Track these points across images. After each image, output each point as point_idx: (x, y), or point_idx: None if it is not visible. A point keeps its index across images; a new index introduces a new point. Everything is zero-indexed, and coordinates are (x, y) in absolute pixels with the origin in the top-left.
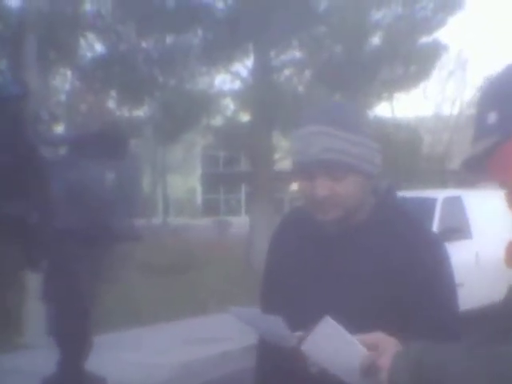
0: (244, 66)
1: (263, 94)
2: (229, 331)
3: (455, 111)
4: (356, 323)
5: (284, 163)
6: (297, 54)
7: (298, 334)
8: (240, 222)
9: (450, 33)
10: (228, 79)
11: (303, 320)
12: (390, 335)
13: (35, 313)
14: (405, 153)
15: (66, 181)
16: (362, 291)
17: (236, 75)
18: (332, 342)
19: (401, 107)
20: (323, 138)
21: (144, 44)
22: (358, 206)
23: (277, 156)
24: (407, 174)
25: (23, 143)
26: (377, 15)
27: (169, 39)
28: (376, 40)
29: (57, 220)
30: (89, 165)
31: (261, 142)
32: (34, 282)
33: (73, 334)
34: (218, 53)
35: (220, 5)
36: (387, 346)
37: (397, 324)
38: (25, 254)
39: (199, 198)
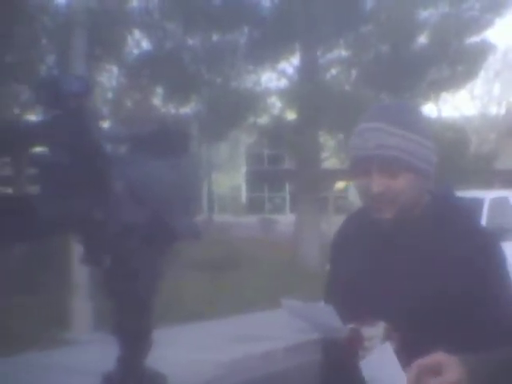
0: (290, 65)
1: (309, 93)
2: (274, 330)
3: (502, 111)
4: (413, 319)
5: (330, 162)
6: (343, 52)
7: (350, 326)
8: (285, 221)
9: (496, 33)
10: (274, 77)
11: (364, 317)
12: (446, 330)
13: (81, 309)
14: (452, 153)
15: (128, 178)
16: (417, 287)
17: (282, 73)
18: (384, 368)
19: (447, 107)
20: (380, 135)
21: (190, 42)
22: (414, 205)
23: (323, 155)
24: (454, 174)
25: (87, 140)
26: (423, 14)
27: (215, 37)
28: (423, 39)
29: (119, 217)
30: (150, 162)
31: (307, 140)
32: (80, 278)
33: (134, 330)
34: (265, 51)
35: (267, 3)
36: (449, 369)
37: (452, 320)
38: (87, 250)
39: (244, 196)
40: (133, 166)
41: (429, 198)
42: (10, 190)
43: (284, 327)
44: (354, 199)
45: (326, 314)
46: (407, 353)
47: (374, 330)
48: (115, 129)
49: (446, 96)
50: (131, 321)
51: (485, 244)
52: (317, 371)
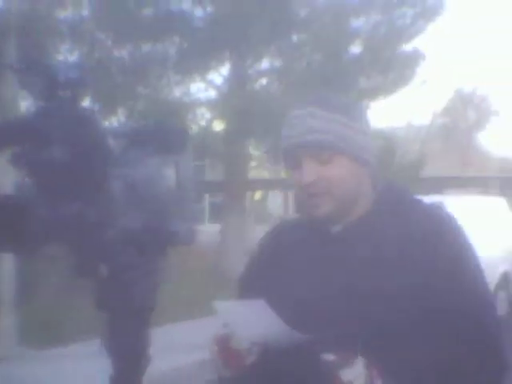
0: (220, 75)
1: (238, 103)
2: (201, 339)
3: (427, 120)
4: (376, 323)
5: (257, 172)
6: (275, 62)
7: (327, 359)
8: (204, 230)
9: (423, 42)
10: (203, 88)
11: (317, 325)
12: (414, 329)
13: (7, 323)
14: (379, 161)
15: (125, 177)
16: (377, 287)
17: (211, 84)
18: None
19: (374, 116)
20: (305, 119)
21: (119, 52)
22: (355, 199)
23: (251, 164)
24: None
25: (83, 134)
26: (356, 23)
27: (145, 47)
28: (355, 48)
29: (118, 221)
30: (147, 159)
31: (235, 150)
32: (5, 290)
33: (131, 346)
34: (194, 61)
35: (199, 13)
36: None
37: (419, 318)
38: (81, 259)
39: None
40: (129, 164)
41: (373, 194)
42: None
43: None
44: (273, 209)
45: (262, 312)
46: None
47: (355, 371)
48: (112, 123)
49: (374, 105)
50: (128, 336)
51: (447, 233)
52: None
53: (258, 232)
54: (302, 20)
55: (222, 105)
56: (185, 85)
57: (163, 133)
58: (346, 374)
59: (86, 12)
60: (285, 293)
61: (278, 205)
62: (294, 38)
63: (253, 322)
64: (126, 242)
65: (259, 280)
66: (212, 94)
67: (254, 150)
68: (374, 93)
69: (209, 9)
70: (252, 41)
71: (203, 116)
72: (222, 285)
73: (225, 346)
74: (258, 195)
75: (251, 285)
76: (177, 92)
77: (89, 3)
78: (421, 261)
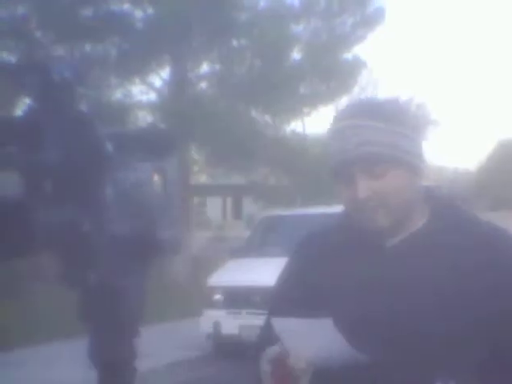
0: (160, 78)
1: (178, 106)
2: (152, 347)
3: None
4: (438, 344)
5: (197, 177)
6: (215, 66)
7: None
8: None
9: (363, 49)
10: (144, 90)
11: (375, 345)
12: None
13: None
14: (317, 169)
15: (116, 183)
16: (437, 304)
17: (151, 86)
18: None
19: (313, 123)
20: (360, 131)
21: (58, 52)
22: (410, 210)
23: (194, 169)
24: (320, 189)
25: (82, 137)
26: (296, 28)
27: (86, 48)
28: (295, 54)
29: (108, 228)
30: (136, 165)
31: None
32: None
33: (118, 356)
34: (134, 63)
35: (139, 14)
36: None
37: (484, 341)
38: (69, 266)
39: None
40: (119, 169)
41: (428, 206)
42: None
43: (162, 344)
44: (212, 214)
45: (326, 331)
46: None
47: None
48: (102, 127)
49: (314, 112)
50: (114, 346)
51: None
52: None
53: (199, 237)
54: (242, 24)
55: (163, 108)
56: (125, 86)
57: (151, 138)
58: None
59: (24, 10)
60: (338, 310)
61: (216, 210)
62: (235, 42)
63: (313, 340)
64: (118, 250)
65: (305, 296)
66: (153, 96)
67: (195, 155)
68: (316, 100)
69: (149, 11)
70: (192, 44)
71: (144, 118)
72: (168, 290)
73: (280, 365)
74: (196, 200)
75: (296, 300)
76: (118, 94)
77: (27, 1)
78: (484, 277)
